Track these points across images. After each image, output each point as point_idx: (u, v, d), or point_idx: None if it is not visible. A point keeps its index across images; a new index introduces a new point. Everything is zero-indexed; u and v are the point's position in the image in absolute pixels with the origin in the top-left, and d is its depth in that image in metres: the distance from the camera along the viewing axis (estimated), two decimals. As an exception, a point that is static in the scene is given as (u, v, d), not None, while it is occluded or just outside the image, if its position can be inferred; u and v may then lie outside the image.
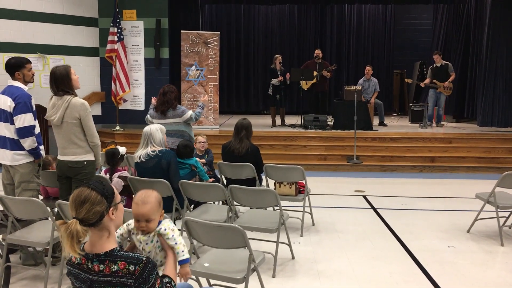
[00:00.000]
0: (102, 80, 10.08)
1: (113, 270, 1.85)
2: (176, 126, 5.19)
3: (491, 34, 9.68)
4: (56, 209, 3.61)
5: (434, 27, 13.40)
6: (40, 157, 4.11)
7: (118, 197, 2.00)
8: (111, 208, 1.91)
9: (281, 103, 10.33)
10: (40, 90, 8.71)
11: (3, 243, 3.66)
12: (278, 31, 14.29)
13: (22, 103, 3.93)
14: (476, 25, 10.83)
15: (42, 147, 4.14)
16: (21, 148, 3.98)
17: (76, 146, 3.86)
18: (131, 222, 2.31)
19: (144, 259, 1.88)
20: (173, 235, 2.22)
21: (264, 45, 14.31)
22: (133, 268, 1.85)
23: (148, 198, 2.18)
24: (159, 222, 2.24)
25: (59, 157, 3.96)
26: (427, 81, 10.60)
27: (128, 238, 2.35)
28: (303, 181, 4.92)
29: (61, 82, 3.80)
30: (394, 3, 13.42)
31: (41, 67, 9.08)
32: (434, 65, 10.46)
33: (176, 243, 2.22)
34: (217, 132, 9.45)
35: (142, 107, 9.93)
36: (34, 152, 4.02)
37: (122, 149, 4.55)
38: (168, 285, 2.04)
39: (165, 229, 2.22)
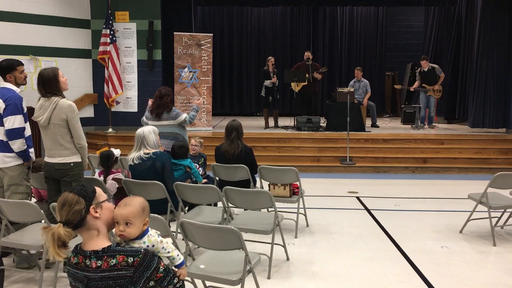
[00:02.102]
0: (95, 82, 10.03)
1: (112, 264, 1.88)
2: (170, 129, 5.19)
3: (482, 35, 9.76)
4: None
5: (425, 29, 13.50)
6: (29, 160, 4.08)
7: (102, 196, 2.03)
8: (92, 206, 1.95)
9: (274, 104, 10.36)
10: (32, 92, 8.63)
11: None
12: (270, 33, 14.31)
13: (13, 105, 3.91)
14: (467, 27, 10.91)
15: (32, 150, 4.11)
16: (11, 150, 3.95)
17: (63, 147, 3.82)
18: None
19: (142, 250, 1.92)
20: (163, 247, 2.11)
21: (257, 47, 14.32)
22: (132, 260, 1.88)
23: (132, 201, 2.07)
24: (144, 233, 2.08)
25: (46, 159, 3.92)
26: (416, 85, 10.76)
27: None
28: (297, 183, 4.93)
29: (49, 85, 3.77)
30: (386, 5, 13.52)
31: (33, 69, 9.01)
32: (421, 69, 10.58)
33: (169, 252, 2.13)
34: (210, 134, 9.44)
35: (135, 109, 9.89)
36: (23, 154, 3.99)
37: (116, 152, 4.54)
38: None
39: (153, 246, 2.08)
